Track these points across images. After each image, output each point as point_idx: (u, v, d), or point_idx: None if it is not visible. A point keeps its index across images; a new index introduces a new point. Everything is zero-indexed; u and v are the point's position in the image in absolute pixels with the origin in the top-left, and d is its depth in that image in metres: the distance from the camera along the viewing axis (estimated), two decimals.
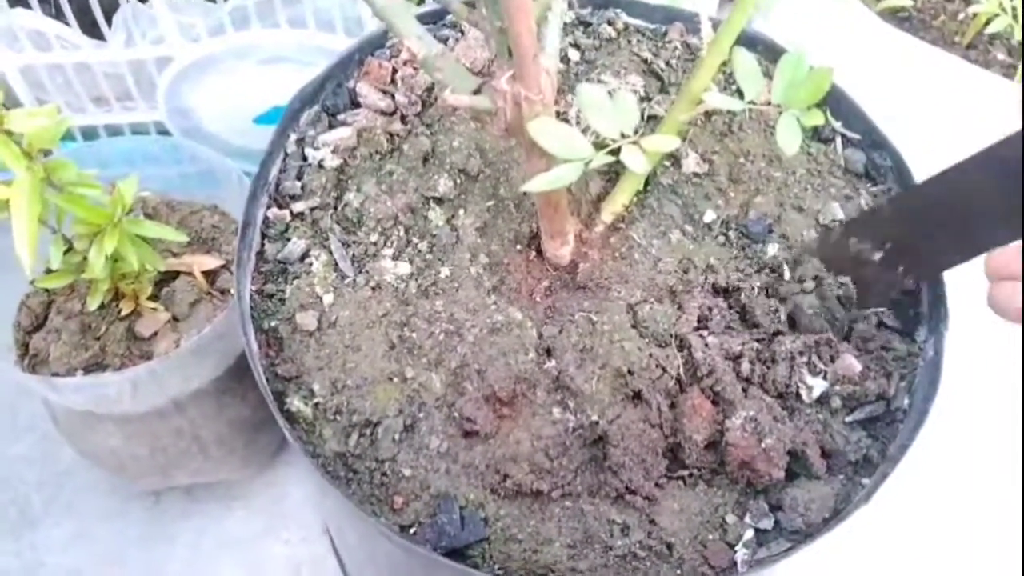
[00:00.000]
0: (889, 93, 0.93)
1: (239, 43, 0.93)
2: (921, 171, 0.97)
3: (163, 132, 1.04)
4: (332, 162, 0.64)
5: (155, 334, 0.82)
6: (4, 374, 1.06)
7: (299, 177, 0.64)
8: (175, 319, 0.83)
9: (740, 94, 0.57)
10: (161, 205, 0.88)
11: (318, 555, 0.95)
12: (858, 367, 0.55)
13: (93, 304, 0.78)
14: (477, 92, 0.55)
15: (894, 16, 1.05)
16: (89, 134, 1.03)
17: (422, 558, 0.49)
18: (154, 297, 0.83)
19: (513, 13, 0.47)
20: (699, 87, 0.59)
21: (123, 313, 0.81)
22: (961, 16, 0.99)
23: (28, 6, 0.90)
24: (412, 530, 0.51)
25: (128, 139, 0.96)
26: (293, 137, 0.65)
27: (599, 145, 0.52)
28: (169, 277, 0.84)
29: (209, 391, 0.81)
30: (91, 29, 0.93)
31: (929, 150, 0.95)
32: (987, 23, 0.96)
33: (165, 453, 0.85)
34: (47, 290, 0.84)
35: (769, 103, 0.57)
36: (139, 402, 0.78)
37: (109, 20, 0.94)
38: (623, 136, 0.55)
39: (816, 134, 0.69)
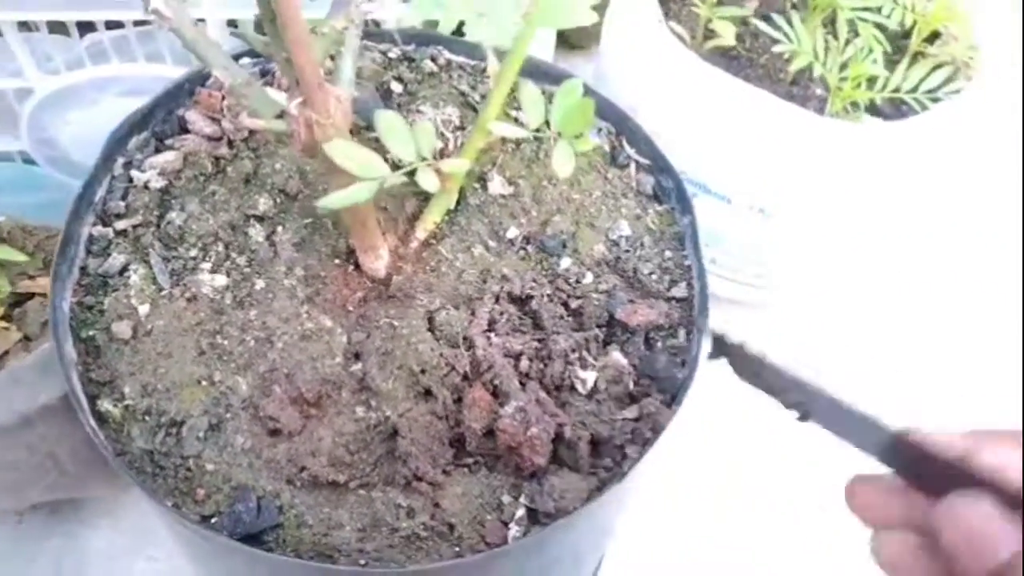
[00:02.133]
0: (706, 126, 1.02)
1: (98, 76, 0.97)
2: (727, 190, 1.06)
3: (28, 160, 1.07)
4: (157, 183, 0.68)
5: (6, 353, 0.84)
6: None
7: (124, 197, 0.68)
8: (27, 339, 0.85)
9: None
10: (16, 230, 0.91)
11: (182, 570, 0.97)
12: (624, 361, 0.62)
13: None
14: (280, 117, 0.61)
15: (724, 55, 1.14)
16: None
17: (220, 544, 0.53)
18: (7, 317, 0.85)
19: (293, 46, 0.53)
20: (489, 116, 0.66)
21: None
22: (779, 49, 1.08)
23: None
24: (213, 519, 0.56)
25: None
26: (120, 160, 0.69)
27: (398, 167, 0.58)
28: (24, 298, 0.87)
29: (58, 407, 0.83)
30: None
31: (742, 175, 1.04)
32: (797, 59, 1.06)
33: (17, 470, 0.87)
34: None
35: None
36: None
37: None
38: (422, 159, 0.61)
39: (614, 160, 0.76)
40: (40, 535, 0.99)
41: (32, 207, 0.96)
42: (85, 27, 0.94)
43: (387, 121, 0.61)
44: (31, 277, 0.88)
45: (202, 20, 0.95)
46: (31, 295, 0.87)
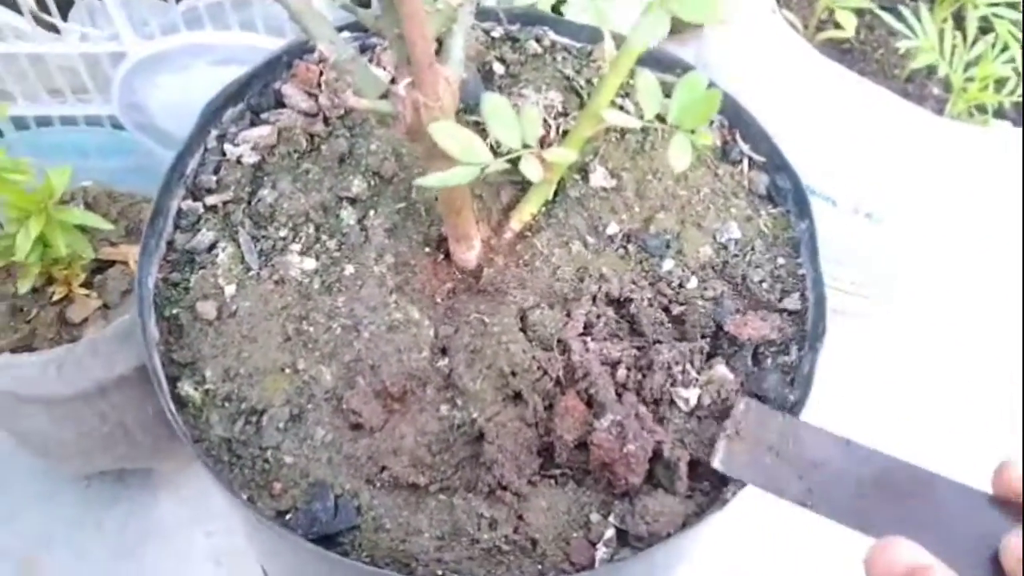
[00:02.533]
0: (815, 121, 0.96)
1: (191, 42, 0.96)
2: (833, 191, 0.99)
3: (117, 126, 1.07)
4: (250, 158, 0.66)
5: (85, 320, 0.84)
6: None
7: (216, 171, 0.66)
8: (106, 307, 0.85)
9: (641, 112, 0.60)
10: (102, 195, 0.90)
11: (239, 548, 0.97)
12: (731, 377, 0.57)
13: (23, 287, 0.80)
14: (384, 97, 0.57)
15: (836, 47, 1.07)
16: (44, 124, 1.06)
17: (293, 543, 0.51)
18: (88, 284, 0.85)
19: (407, 21, 0.50)
20: (600, 104, 0.61)
21: (55, 298, 0.83)
22: (900, 44, 1.01)
23: None
24: (288, 516, 0.53)
25: (77, 129, 0.98)
26: (214, 133, 0.67)
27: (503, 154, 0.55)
28: (105, 265, 0.86)
29: (133, 378, 0.83)
30: (45, 21, 0.95)
31: (850, 176, 0.98)
32: (919, 56, 0.99)
33: (90, 437, 0.87)
34: None
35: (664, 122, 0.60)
36: (63, 384, 0.80)
37: (66, 15, 0.96)
38: (526, 146, 0.57)
39: (726, 156, 0.71)
40: (106, 502, 0.99)
41: (119, 172, 0.95)
42: None
43: (493, 104, 0.58)
44: (113, 244, 0.87)
45: None
46: (112, 263, 0.87)
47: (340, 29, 0.73)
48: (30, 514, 0.97)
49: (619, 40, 0.65)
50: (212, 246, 0.62)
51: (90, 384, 0.81)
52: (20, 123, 1.05)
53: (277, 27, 0.95)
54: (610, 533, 0.53)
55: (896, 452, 0.49)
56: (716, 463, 0.52)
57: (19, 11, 0.94)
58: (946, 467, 0.47)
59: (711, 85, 0.58)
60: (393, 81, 0.67)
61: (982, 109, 0.97)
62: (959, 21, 1.03)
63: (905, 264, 1.04)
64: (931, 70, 1.03)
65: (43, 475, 1.00)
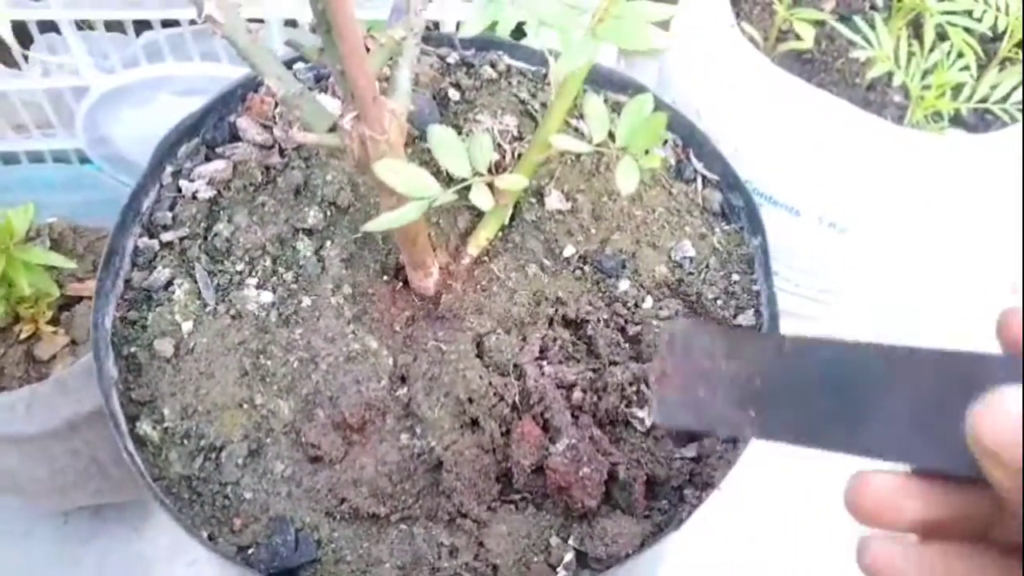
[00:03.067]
0: (776, 133, 0.97)
1: (153, 75, 0.96)
2: (796, 202, 1.00)
3: (84, 160, 1.07)
4: (206, 193, 0.66)
5: (54, 357, 0.84)
6: None
7: (171, 208, 0.66)
8: (74, 343, 0.85)
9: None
10: (67, 231, 0.90)
11: None
12: None
13: None
14: (332, 130, 0.58)
15: (797, 59, 1.08)
16: (10, 159, 1.06)
17: None
18: (55, 321, 0.85)
19: (347, 58, 0.50)
20: (550, 129, 0.62)
21: (22, 336, 0.83)
22: (856, 54, 1.03)
23: None
24: (249, 550, 0.54)
25: (34, 167, 0.98)
26: (169, 169, 0.68)
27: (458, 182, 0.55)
28: (73, 301, 0.86)
29: (104, 414, 0.83)
30: (7, 57, 0.96)
31: (813, 186, 0.99)
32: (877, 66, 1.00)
33: (63, 474, 0.86)
34: None
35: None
36: (33, 424, 0.80)
37: (26, 49, 0.97)
38: (476, 175, 0.58)
39: (679, 174, 0.72)
40: (85, 537, 0.99)
41: (85, 206, 0.95)
42: (142, 25, 0.93)
43: (439, 136, 0.58)
44: (80, 280, 0.87)
45: (261, 21, 0.93)
46: (79, 299, 0.87)
47: (295, 60, 0.74)
48: (7, 552, 0.97)
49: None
50: (169, 283, 0.62)
51: (60, 422, 0.81)
52: None
53: (238, 56, 0.95)
54: (569, 556, 0.53)
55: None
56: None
57: None
58: None
59: (658, 107, 0.59)
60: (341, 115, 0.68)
61: (939, 116, 0.99)
62: (916, 29, 1.04)
63: (870, 272, 1.05)
64: (891, 78, 1.04)
65: (19, 512, 0.99)
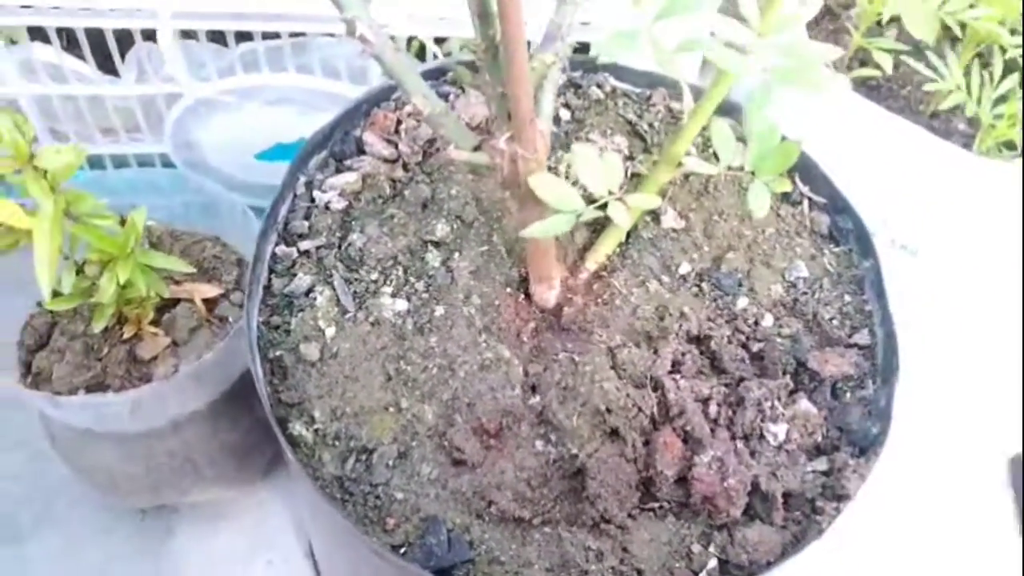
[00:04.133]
0: (854, 159, 0.99)
1: (247, 84, 0.98)
2: (871, 224, 1.04)
3: (167, 164, 1.09)
4: (338, 204, 0.69)
5: (155, 358, 0.85)
6: None
7: (307, 217, 0.68)
8: (175, 344, 0.86)
9: (716, 158, 0.63)
10: (165, 234, 0.93)
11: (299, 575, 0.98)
12: (815, 411, 0.60)
13: (98, 327, 0.82)
14: (477, 148, 0.60)
15: (864, 85, 1.11)
16: (96, 163, 1.08)
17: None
18: (155, 322, 0.87)
19: (514, 81, 0.53)
20: (679, 151, 0.65)
21: (125, 336, 0.85)
22: (927, 87, 1.06)
23: (47, 40, 0.94)
24: (402, 550, 0.56)
25: (135, 170, 1.00)
26: (302, 180, 0.70)
27: (587, 199, 0.58)
28: (170, 304, 0.88)
29: (205, 414, 0.85)
30: (104, 63, 0.98)
31: (885, 209, 1.01)
32: (947, 96, 1.03)
33: (159, 472, 0.88)
34: (51, 312, 0.88)
35: (742, 168, 0.63)
36: (138, 422, 0.82)
37: (123, 56, 0.99)
38: (609, 192, 0.60)
39: (786, 197, 0.75)
40: (162, 535, 1.01)
41: (174, 209, 0.97)
42: (242, 37, 0.95)
43: (583, 155, 0.61)
44: (177, 283, 0.89)
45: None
46: (178, 301, 0.88)
47: None
48: (88, 548, 0.98)
49: (693, 91, 0.69)
50: (309, 290, 0.64)
51: (164, 421, 0.83)
52: None
53: (333, 69, 0.98)
54: (712, 563, 0.55)
55: None
56: None
57: (81, 56, 0.96)
58: None
59: (785, 138, 0.62)
60: (481, 129, 0.70)
61: (1010, 146, 1.02)
62: (983, 60, 1.07)
63: (940, 295, 1.08)
64: (955, 107, 1.07)
65: (100, 509, 1.01)
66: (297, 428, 0.59)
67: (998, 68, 1.04)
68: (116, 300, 0.81)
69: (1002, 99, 1.03)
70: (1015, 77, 1.03)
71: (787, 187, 0.61)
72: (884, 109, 1.01)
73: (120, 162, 1.09)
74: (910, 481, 1.08)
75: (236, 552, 1.00)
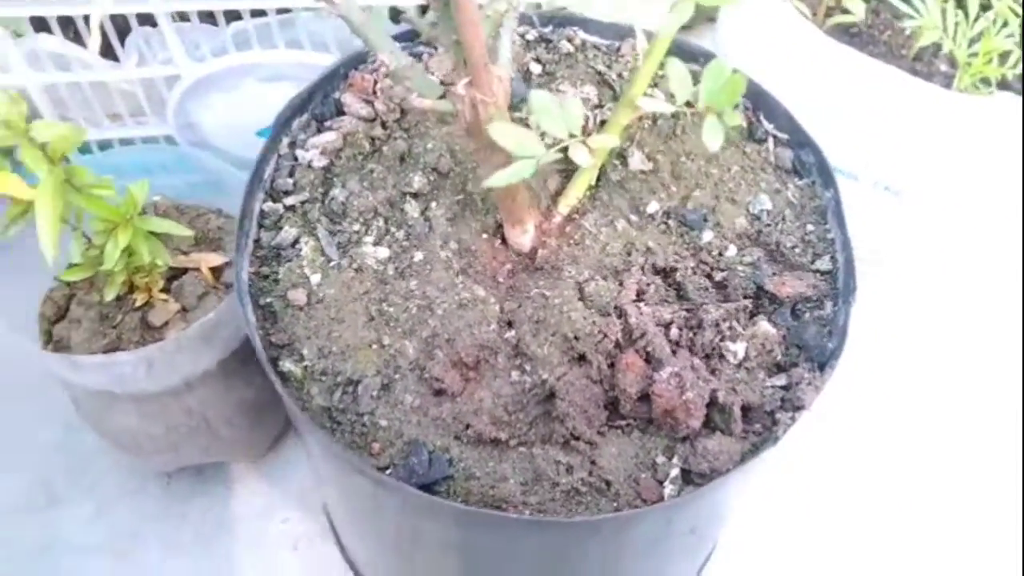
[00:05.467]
0: (831, 102, 1.02)
1: (241, 63, 1.03)
2: (854, 168, 1.06)
3: (171, 144, 1.14)
4: (320, 162, 0.73)
5: (166, 323, 0.91)
6: (33, 366, 1.16)
7: (291, 175, 0.73)
8: (184, 310, 0.92)
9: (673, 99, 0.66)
10: (171, 208, 0.98)
11: (313, 532, 1.04)
12: (773, 331, 0.63)
13: (110, 295, 0.87)
14: (442, 97, 0.64)
15: (845, 32, 1.13)
16: (105, 147, 1.13)
17: (397, 492, 0.58)
18: (165, 290, 0.92)
19: (464, 27, 0.57)
20: (636, 93, 0.68)
21: (137, 304, 0.90)
22: (907, 24, 1.08)
23: (50, 31, 1.00)
24: (387, 471, 0.60)
25: (140, 148, 1.05)
26: (285, 141, 0.74)
27: (553, 145, 0.61)
28: (179, 272, 0.93)
29: (216, 373, 0.90)
30: (106, 51, 1.03)
31: (868, 152, 1.03)
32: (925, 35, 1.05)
33: (177, 432, 0.94)
34: (68, 284, 0.93)
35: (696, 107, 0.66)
36: (153, 381, 0.87)
37: (123, 43, 1.04)
38: (571, 136, 0.64)
39: (751, 135, 0.78)
40: (187, 496, 1.06)
41: (181, 187, 1.02)
42: (231, 16, 0.99)
43: (540, 100, 0.64)
44: (184, 253, 0.94)
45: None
46: (185, 270, 0.94)
47: None
48: (119, 510, 1.04)
49: (646, 35, 0.72)
50: (295, 241, 0.69)
51: (177, 380, 0.88)
52: (84, 148, 1.12)
53: (321, 43, 1.02)
54: (675, 472, 0.59)
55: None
56: None
57: (83, 44, 1.01)
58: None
59: (735, 71, 0.65)
60: (448, 83, 0.74)
61: (986, 82, 1.03)
62: (960, 1, 1.09)
63: (924, 233, 1.10)
64: (937, 48, 1.09)
65: (128, 473, 1.07)
66: (287, 365, 0.63)
67: (973, 7, 1.06)
68: (125, 268, 0.86)
69: (977, 38, 1.04)
70: (988, 15, 1.04)
71: (738, 120, 0.64)
72: (864, 55, 1.04)
73: (127, 144, 1.14)
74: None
75: (253, 512, 1.05)
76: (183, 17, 1.00)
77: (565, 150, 0.63)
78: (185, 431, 0.94)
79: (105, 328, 0.90)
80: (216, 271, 0.94)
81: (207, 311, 0.91)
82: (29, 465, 1.08)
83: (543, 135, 0.64)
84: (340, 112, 0.77)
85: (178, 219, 0.97)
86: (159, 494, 1.06)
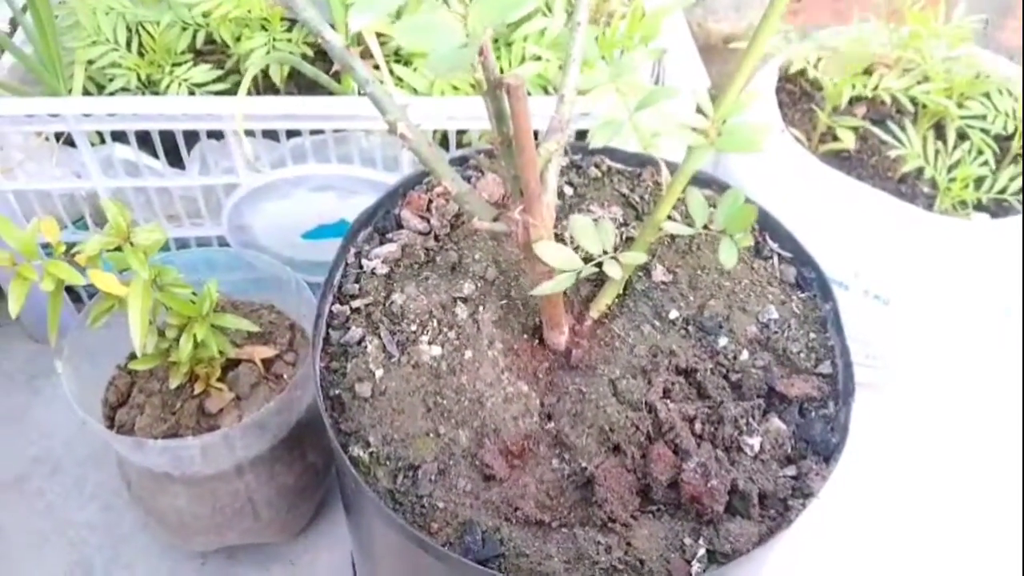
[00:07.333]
0: (824, 220, 1.13)
1: (295, 174, 1.14)
2: (844, 277, 1.16)
3: (223, 244, 1.24)
4: (382, 270, 0.83)
5: (221, 410, 0.99)
6: (75, 449, 1.22)
7: (357, 281, 0.82)
8: (238, 398, 1.00)
9: (692, 222, 0.76)
10: (227, 304, 1.07)
11: None
12: (784, 427, 0.72)
13: (174, 383, 0.95)
14: (496, 219, 0.74)
15: (836, 157, 1.26)
16: (163, 247, 1.23)
17: (459, 568, 0.65)
18: (221, 380, 1.00)
19: (525, 166, 0.67)
20: (660, 217, 0.78)
21: (196, 392, 0.98)
22: (892, 153, 1.20)
23: (126, 142, 1.11)
24: (445, 548, 0.67)
25: (201, 250, 1.15)
26: (352, 251, 0.84)
27: (587, 259, 0.71)
28: (233, 364, 1.02)
29: (265, 458, 0.98)
30: (171, 158, 1.14)
31: (858, 264, 1.14)
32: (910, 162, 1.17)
33: (223, 513, 1.00)
34: (131, 372, 1.02)
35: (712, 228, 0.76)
36: (208, 464, 0.94)
37: (189, 152, 1.15)
38: (604, 252, 0.74)
39: (759, 253, 0.88)
40: None
41: (234, 284, 1.12)
42: (292, 133, 1.11)
43: (580, 224, 0.75)
44: (238, 346, 1.03)
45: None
46: (239, 361, 1.02)
47: None
48: None
49: (670, 166, 0.83)
50: (361, 339, 0.78)
51: (231, 464, 0.96)
52: None
53: (370, 159, 1.13)
54: (701, 552, 0.67)
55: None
56: None
57: (155, 154, 1.12)
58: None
59: (748, 200, 0.75)
60: (502, 206, 0.85)
61: (964, 204, 1.15)
62: (939, 131, 1.22)
63: (911, 338, 1.20)
64: (920, 172, 1.21)
65: (163, 555, 1.12)
66: (356, 451, 0.71)
67: (951, 138, 1.19)
68: (189, 359, 0.95)
69: (956, 165, 1.17)
70: (965, 146, 1.17)
71: (750, 242, 0.74)
72: (852, 177, 1.16)
73: (182, 244, 1.24)
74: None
75: None
76: (248, 133, 1.11)
77: (600, 264, 0.73)
78: (230, 512, 1.00)
79: (166, 414, 0.98)
80: (267, 363, 1.03)
81: (259, 400, 0.99)
82: (68, 544, 1.14)
83: (576, 248, 0.75)
84: (399, 226, 0.87)
85: (235, 314, 1.06)
86: (193, 574, 1.11)
